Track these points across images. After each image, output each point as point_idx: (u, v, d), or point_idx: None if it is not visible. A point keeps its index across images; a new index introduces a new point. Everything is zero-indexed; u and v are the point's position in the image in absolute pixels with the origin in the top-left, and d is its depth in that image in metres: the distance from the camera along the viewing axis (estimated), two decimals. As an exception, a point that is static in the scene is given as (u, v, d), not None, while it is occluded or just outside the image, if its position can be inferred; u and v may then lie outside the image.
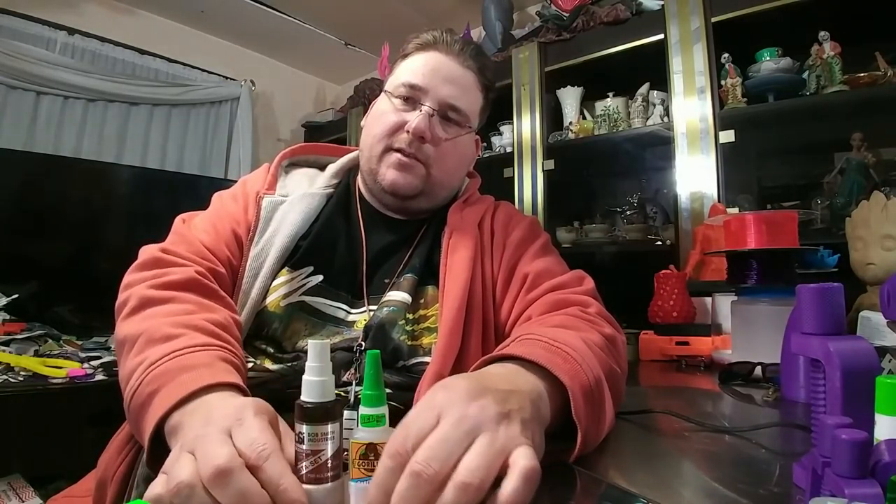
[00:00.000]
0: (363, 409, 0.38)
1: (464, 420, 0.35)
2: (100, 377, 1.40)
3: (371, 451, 0.36)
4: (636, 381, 0.92)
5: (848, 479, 0.31)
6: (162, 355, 0.50)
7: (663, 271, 1.19)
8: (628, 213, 1.90)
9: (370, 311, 0.68)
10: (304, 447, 0.36)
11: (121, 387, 0.53)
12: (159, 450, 0.44)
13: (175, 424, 0.43)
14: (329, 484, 0.36)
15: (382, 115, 0.75)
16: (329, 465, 0.36)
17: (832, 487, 0.32)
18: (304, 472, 0.36)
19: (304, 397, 0.38)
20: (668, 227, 1.74)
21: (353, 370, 0.62)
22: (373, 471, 0.35)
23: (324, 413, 0.37)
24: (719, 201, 1.49)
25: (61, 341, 1.61)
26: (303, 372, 0.63)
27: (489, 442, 0.34)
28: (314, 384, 0.38)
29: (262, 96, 2.90)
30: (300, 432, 0.36)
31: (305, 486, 0.36)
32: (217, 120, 2.71)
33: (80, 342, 1.64)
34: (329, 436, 0.36)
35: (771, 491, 0.39)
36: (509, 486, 0.32)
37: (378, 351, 0.40)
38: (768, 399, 0.72)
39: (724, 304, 1.11)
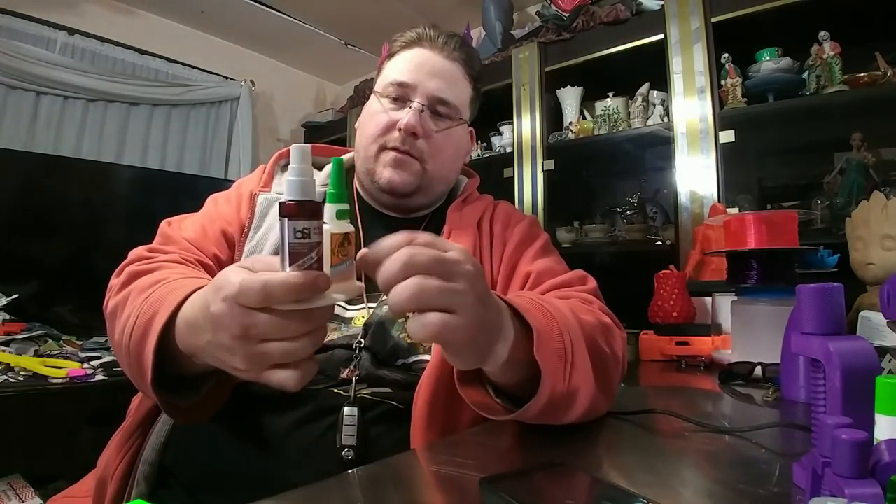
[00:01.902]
0: (337, 207, 0.41)
1: (460, 265, 0.40)
2: (100, 377, 1.41)
3: (346, 240, 0.41)
4: (636, 381, 0.92)
5: (848, 479, 0.31)
6: (154, 290, 0.51)
7: (663, 271, 1.19)
8: (628, 213, 1.90)
9: (369, 308, 0.68)
10: (309, 240, 0.39)
11: (116, 354, 0.55)
12: (163, 379, 0.47)
13: (184, 321, 0.45)
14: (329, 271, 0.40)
15: (374, 115, 0.75)
16: (318, 256, 0.39)
17: (832, 487, 0.32)
18: (310, 261, 0.38)
19: (295, 196, 0.39)
20: (668, 227, 1.74)
21: (352, 367, 0.62)
22: (348, 256, 0.41)
23: (314, 209, 0.39)
24: (719, 201, 1.49)
25: (61, 341, 1.62)
26: None
27: (452, 290, 0.39)
28: (295, 183, 0.39)
29: (262, 96, 2.90)
30: (294, 229, 0.38)
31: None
32: (217, 120, 2.70)
33: (80, 342, 1.64)
34: (317, 230, 0.39)
35: (771, 491, 0.39)
36: (415, 323, 0.38)
37: (342, 158, 0.45)
38: (768, 399, 0.72)
39: (724, 304, 1.11)
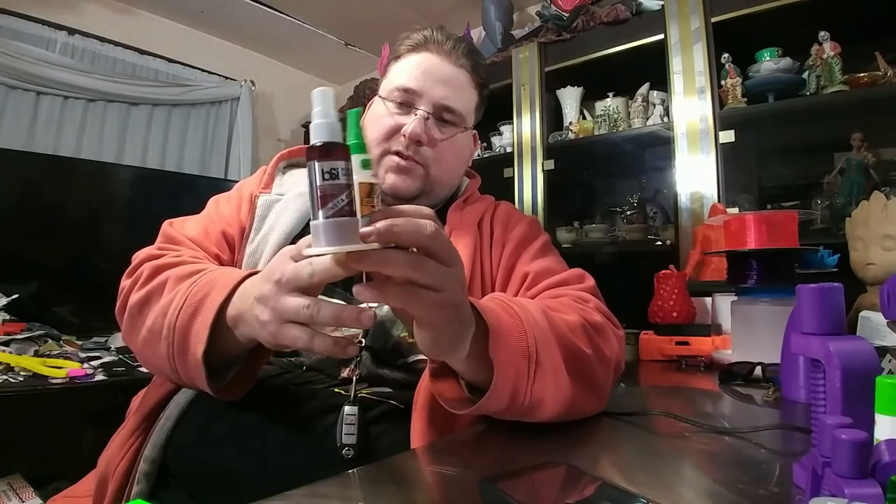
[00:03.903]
0: (361, 156, 0.40)
1: (457, 253, 0.43)
2: (100, 377, 1.41)
3: (373, 191, 0.40)
4: (636, 381, 0.92)
5: (848, 479, 0.31)
6: (200, 276, 0.54)
7: (663, 271, 1.19)
8: (628, 213, 1.90)
9: (370, 307, 0.68)
10: (339, 181, 0.38)
11: (143, 343, 0.57)
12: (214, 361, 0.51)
13: (236, 306, 0.49)
14: (349, 217, 0.38)
15: (379, 119, 0.75)
16: (350, 200, 0.38)
17: (832, 487, 0.32)
18: (342, 204, 0.38)
19: (313, 140, 0.38)
20: (668, 227, 1.74)
21: (353, 366, 0.62)
22: (375, 209, 0.40)
23: (346, 151, 0.38)
24: (719, 201, 1.49)
25: (61, 341, 1.62)
26: (302, 367, 0.64)
27: (447, 272, 0.41)
28: (322, 125, 0.39)
29: (262, 96, 2.90)
30: (331, 170, 0.37)
31: (330, 219, 0.37)
32: (217, 120, 2.70)
33: (80, 342, 1.64)
34: (348, 172, 0.38)
35: (771, 491, 0.39)
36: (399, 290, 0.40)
37: (358, 110, 0.43)
38: (768, 399, 0.72)
39: (724, 304, 1.11)
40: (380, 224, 0.37)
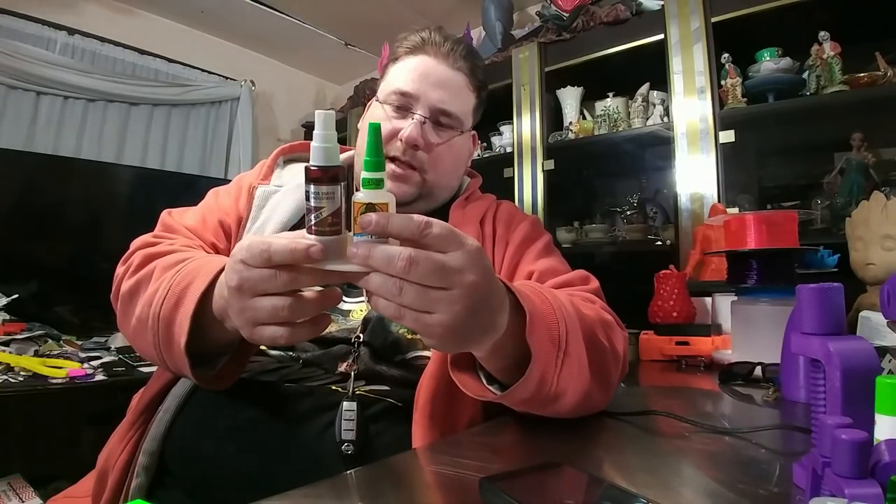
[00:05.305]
0: (364, 174, 0.41)
1: (461, 274, 0.39)
2: (100, 377, 1.41)
3: (370, 210, 0.40)
4: (636, 381, 0.92)
5: (848, 479, 0.31)
6: (184, 265, 0.54)
7: (663, 271, 1.18)
8: (628, 213, 1.90)
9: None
10: (311, 204, 0.41)
11: (134, 332, 0.57)
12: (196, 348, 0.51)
13: (217, 301, 0.49)
14: (331, 237, 0.41)
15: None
16: (329, 220, 0.41)
17: (832, 487, 0.32)
18: (311, 223, 0.41)
19: (311, 162, 0.41)
20: (668, 227, 1.74)
21: (350, 361, 0.62)
22: None
23: (325, 174, 0.41)
24: (719, 201, 1.49)
25: (61, 341, 1.62)
26: (299, 361, 0.64)
27: (440, 298, 0.39)
28: (319, 150, 0.41)
29: (262, 96, 2.90)
30: (307, 191, 0.41)
31: (310, 236, 0.41)
32: (217, 120, 2.70)
33: (80, 342, 1.65)
34: (329, 195, 0.41)
35: (771, 491, 0.39)
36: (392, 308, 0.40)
37: (379, 123, 0.43)
38: (768, 399, 0.72)
39: (724, 304, 1.11)
40: (360, 251, 0.39)
